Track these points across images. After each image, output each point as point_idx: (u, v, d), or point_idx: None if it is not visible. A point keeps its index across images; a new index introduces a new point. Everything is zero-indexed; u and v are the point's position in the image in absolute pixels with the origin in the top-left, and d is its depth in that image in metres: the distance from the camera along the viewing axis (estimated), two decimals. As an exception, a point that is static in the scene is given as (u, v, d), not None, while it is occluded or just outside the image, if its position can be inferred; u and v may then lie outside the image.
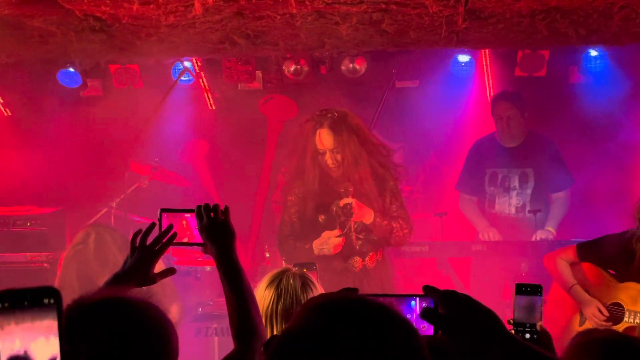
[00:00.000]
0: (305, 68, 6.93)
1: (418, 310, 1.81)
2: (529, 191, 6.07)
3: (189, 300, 5.84)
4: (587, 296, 4.55)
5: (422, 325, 1.73)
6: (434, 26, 4.78)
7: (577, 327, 4.53)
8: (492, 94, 6.94)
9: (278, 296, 2.92)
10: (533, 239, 5.76)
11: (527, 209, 5.98)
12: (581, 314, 4.59)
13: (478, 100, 7.17)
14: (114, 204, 6.41)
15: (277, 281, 2.96)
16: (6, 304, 1.21)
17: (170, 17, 4.42)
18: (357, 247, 4.73)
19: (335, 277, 4.64)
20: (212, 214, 2.55)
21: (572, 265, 4.68)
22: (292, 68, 6.89)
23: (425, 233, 6.38)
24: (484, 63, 6.98)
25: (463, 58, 6.86)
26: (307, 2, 4.37)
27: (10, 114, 7.58)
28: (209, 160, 7.53)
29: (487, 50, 6.81)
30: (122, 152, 6.63)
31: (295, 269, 3.04)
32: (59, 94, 7.20)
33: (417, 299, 1.84)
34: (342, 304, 1.40)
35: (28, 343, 1.23)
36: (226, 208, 2.59)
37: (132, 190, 6.42)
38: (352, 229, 4.69)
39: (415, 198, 6.86)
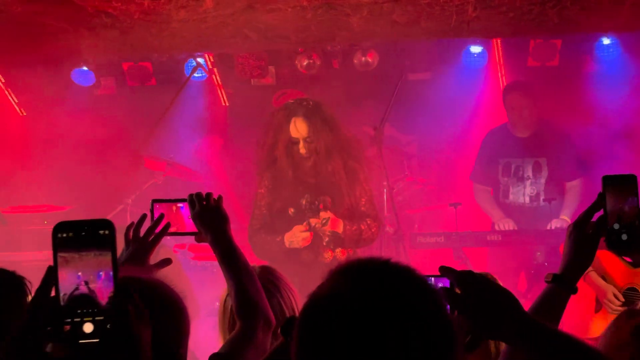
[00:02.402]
0: (318, 62, 6.94)
1: None
2: (542, 180, 6.05)
3: (206, 294, 5.87)
4: (602, 282, 4.54)
5: None
6: (445, 16, 4.78)
7: (592, 314, 4.52)
8: (504, 84, 6.92)
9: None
10: (548, 227, 5.74)
11: (542, 198, 5.97)
12: (597, 300, 4.58)
13: (491, 91, 7.15)
14: (129, 201, 6.44)
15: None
16: (70, 234, 1.33)
17: (181, 11, 4.44)
18: (325, 243, 4.72)
19: (304, 269, 4.62)
20: (204, 202, 2.57)
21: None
22: (305, 62, 6.90)
23: (440, 224, 6.37)
24: (496, 54, 6.96)
25: (475, 49, 6.84)
26: (317, -6, 4.39)
27: (25, 113, 7.64)
28: (223, 155, 7.56)
29: (499, 41, 6.79)
30: (137, 149, 6.67)
31: (257, 270, 2.79)
32: (73, 92, 7.25)
33: (433, 279, 1.85)
34: (366, 267, 1.42)
35: (90, 278, 1.31)
36: (219, 197, 2.62)
37: (148, 187, 6.45)
38: (320, 225, 4.68)
39: (429, 190, 6.86)
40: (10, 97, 7.53)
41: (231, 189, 7.30)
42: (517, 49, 6.85)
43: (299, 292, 4.13)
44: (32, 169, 7.17)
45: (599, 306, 4.57)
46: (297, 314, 2.57)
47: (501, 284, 2.91)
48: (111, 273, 1.31)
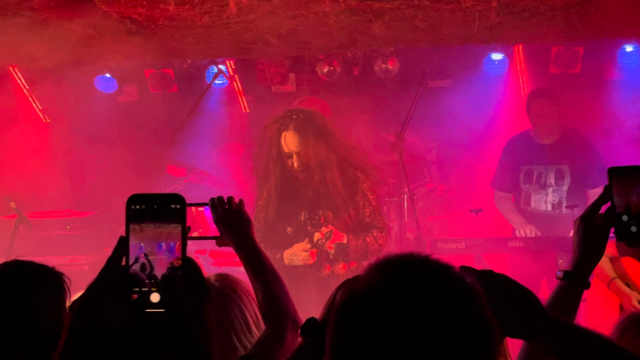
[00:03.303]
0: (338, 69, 6.96)
1: None
2: (565, 188, 6.02)
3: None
4: (627, 289, 4.53)
5: None
6: (467, 21, 4.77)
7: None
8: (526, 91, 6.91)
9: None
10: (570, 235, 5.70)
11: (564, 205, 5.95)
12: (622, 307, 4.56)
13: (511, 98, 7.14)
14: (151, 207, 6.47)
15: None
16: (143, 206, 1.35)
17: (205, 17, 4.47)
18: (331, 257, 4.48)
19: (301, 283, 4.47)
20: (226, 206, 2.56)
21: (612, 259, 4.66)
22: (325, 69, 6.92)
23: (461, 230, 6.36)
24: (518, 60, 6.95)
25: (496, 56, 6.85)
26: (340, 0, 4.40)
27: (48, 120, 7.72)
28: (244, 162, 7.59)
29: (520, 48, 6.79)
30: (159, 155, 6.71)
31: (213, 279, 2.78)
32: (96, 99, 7.32)
33: None
34: (406, 262, 1.41)
35: (151, 248, 1.35)
36: (240, 200, 2.60)
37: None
38: (323, 239, 4.42)
39: (449, 196, 6.86)
40: (34, 104, 7.61)
41: (252, 195, 7.32)
42: (538, 56, 6.85)
43: (296, 305, 4.01)
44: (55, 174, 7.23)
45: (623, 313, 4.55)
46: (258, 317, 2.54)
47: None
48: (172, 244, 1.34)
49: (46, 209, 6.84)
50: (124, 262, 1.35)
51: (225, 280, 2.75)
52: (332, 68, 6.91)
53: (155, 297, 1.32)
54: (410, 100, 6.29)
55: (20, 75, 7.32)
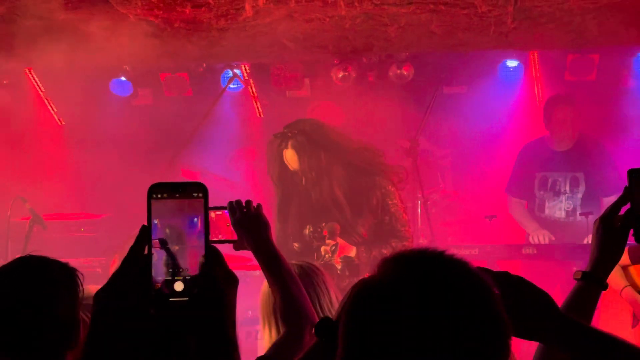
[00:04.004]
0: (353, 75, 6.95)
1: None
2: (579, 195, 6.00)
3: (239, 304, 5.87)
4: (639, 297, 4.50)
5: None
6: (483, 27, 4.77)
7: (629, 329, 4.47)
8: (541, 98, 6.89)
9: None
10: (585, 242, 5.69)
11: (578, 212, 5.92)
12: (634, 315, 4.53)
13: (527, 105, 7.12)
14: (164, 210, 6.47)
15: None
16: (165, 195, 1.35)
17: (221, 20, 4.49)
18: (339, 272, 4.29)
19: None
20: (244, 209, 2.56)
21: (623, 267, 4.63)
22: (340, 75, 6.91)
23: (475, 236, 6.34)
24: (533, 67, 6.93)
25: (511, 63, 6.83)
26: (356, 4, 4.41)
27: (63, 123, 7.76)
28: (257, 167, 7.59)
29: (536, 54, 6.76)
30: (173, 159, 6.73)
31: (296, 264, 2.86)
32: (111, 102, 7.34)
33: None
34: (420, 256, 1.39)
35: (174, 236, 1.35)
36: (259, 204, 2.61)
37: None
38: (330, 253, 4.28)
39: (464, 202, 6.84)
40: (49, 107, 7.65)
41: (265, 201, 7.31)
42: (554, 63, 6.82)
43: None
44: (70, 177, 7.26)
45: (635, 321, 4.53)
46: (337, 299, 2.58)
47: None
48: (194, 232, 1.34)
49: (60, 211, 6.86)
50: (146, 251, 1.35)
51: (308, 263, 2.88)
52: (346, 73, 6.89)
53: (179, 286, 1.32)
54: (425, 106, 6.29)
55: (36, 78, 7.36)
